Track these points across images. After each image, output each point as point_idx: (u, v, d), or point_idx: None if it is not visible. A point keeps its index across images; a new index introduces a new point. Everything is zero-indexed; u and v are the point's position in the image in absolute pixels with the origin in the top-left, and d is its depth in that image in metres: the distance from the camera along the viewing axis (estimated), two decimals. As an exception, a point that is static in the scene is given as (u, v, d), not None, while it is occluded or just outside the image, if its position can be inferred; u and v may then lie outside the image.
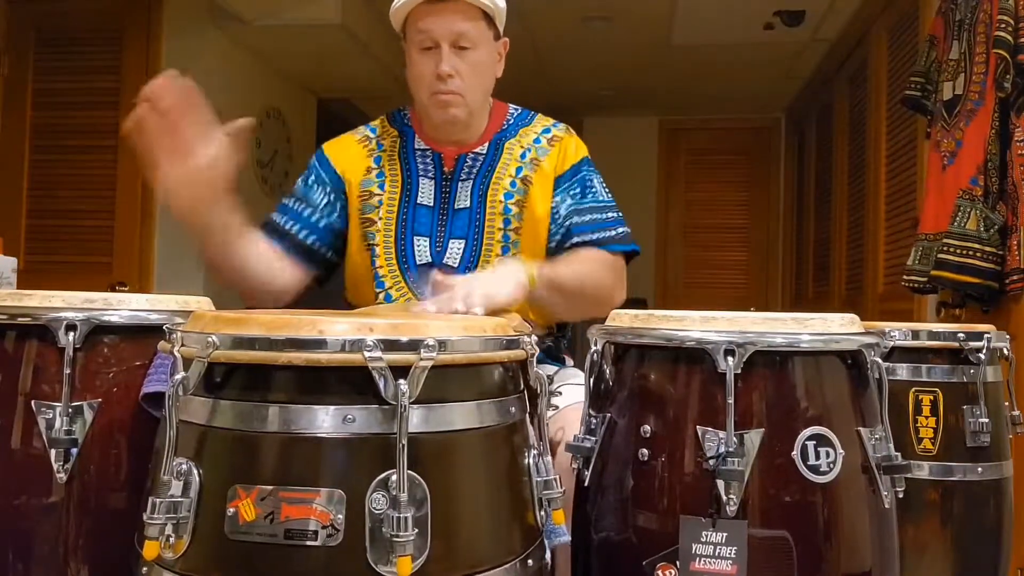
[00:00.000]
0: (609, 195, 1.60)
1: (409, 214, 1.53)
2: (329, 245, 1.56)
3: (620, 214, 1.59)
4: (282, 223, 1.54)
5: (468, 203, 1.54)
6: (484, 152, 1.57)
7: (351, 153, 1.59)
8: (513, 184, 1.54)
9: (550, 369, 1.54)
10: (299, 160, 4.52)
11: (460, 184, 1.55)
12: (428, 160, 1.57)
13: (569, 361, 1.65)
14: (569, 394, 1.42)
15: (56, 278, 2.85)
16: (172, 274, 3.57)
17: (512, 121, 1.61)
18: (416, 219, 1.53)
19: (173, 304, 1.13)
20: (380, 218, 1.54)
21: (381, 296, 1.52)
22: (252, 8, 3.53)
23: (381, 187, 1.55)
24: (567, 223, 1.54)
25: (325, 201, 1.56)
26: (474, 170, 1.56)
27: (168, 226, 3.61)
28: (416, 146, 1.58)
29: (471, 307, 1.20)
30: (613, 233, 1.56)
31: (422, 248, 1.52)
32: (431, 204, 1.54)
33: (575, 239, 1.53)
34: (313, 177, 1.59)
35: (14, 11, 3.62)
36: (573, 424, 1.24)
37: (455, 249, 1.52)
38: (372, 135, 1.61)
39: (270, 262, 1.48)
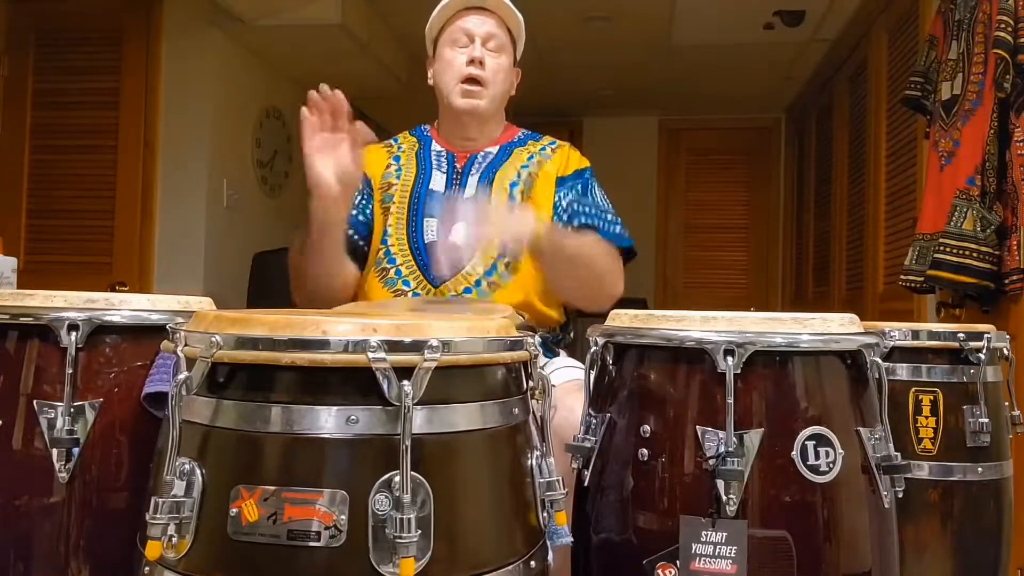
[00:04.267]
0: (609, 205, 1.69)
1: (421, 197, 1.64)
2: (365, 239, 1.67)
3: (619, 219, 1.67)
4: None
5: (475, 192, 1.64)
6: (495, 152, 1.70)
7: (374, 157, 1.72)
8: (518, 175, 1.66)
9: (541, 360, 1.56)
10: (299, 160, 4.49)
11: (470, 178, 1.66)
12: (442, 158, 1.70)
13: (563, 354, 1.68)
14: (560, 375, 1.45)
15: (56, 278, 2.85)
16: (172, 274, 3.58)
17: (523, 136, 1.75)
18: (427, 202, 1.64)
19: (175, 304, 1.14)
20: (394, 203, 1.65)
21: (392, 271, 1.61)
22: (252, 8, 3.53)
23: (398, 177, 1.68)
24: (568, 210, 1.64)
25: (360, 198, 1.68)
26: (483, 166, 1.67)
27: (168, 226, 3.61)
28: (432, 148, 1.72)
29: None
30: (611, 228, 1.64)
31: (431, 227, 1.62)
32: (441, 191, 1.65)
33: (575, 222, 1.62)
34: None
35: (14, 11, 3.61)
36: (562, 400, 1.25)
37: (461, 229, 1.57)
38: (394, 143, 1.76)
39: (343, 258, 1.60)
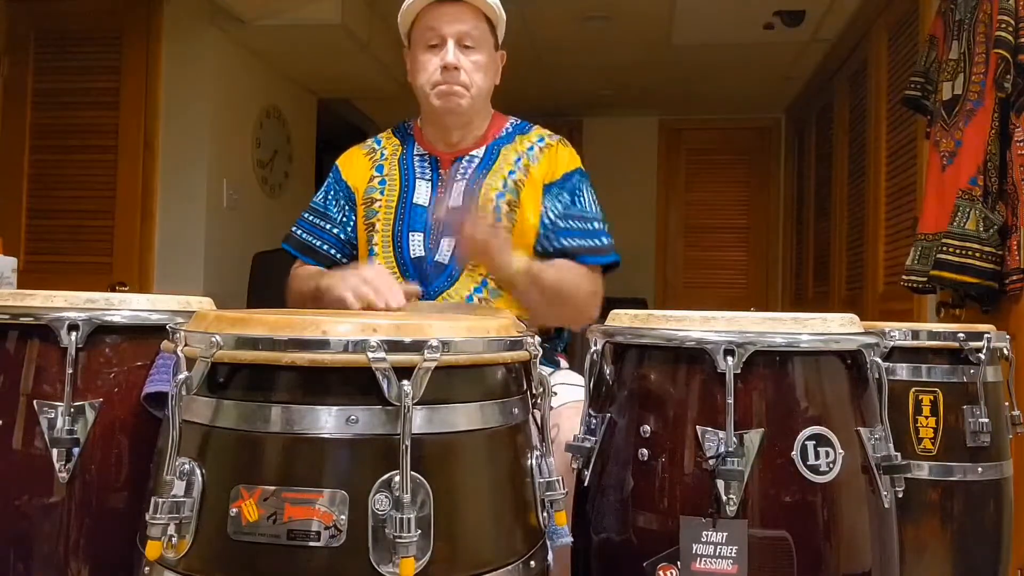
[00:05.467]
0: (597, 207, 1.64)
1: (406, 213, 1.60)
2: (349, 256, 1.66)
3: (605, 226, 1.62)
4: (311, 242, 1.67)
5: (460, 202, 1.58)
6: (480, 155, 1.63)
7: (357, 165, 1.68)
8: (505, 184, 1.59)
9: (545, 371, 1.55)
10: (299, 160, 4.52)
11: (455, 185, 1.60)
12: (426, 164, 1.64)
13: (564, 363, 1.67)
14: (564, 393, 1.44)
15: (56, 278, 2.85)
16: (172, 274, 3.58)
17: (510, 129, 1.67)
18: (412, 217, 1.59)
19: (174, 304, 1.14)
20: (379, 219, 1.61)
21: None
22: (252, 8, 3.53)
23: (382, 192, 1.63)
24: (553, 228, 1.58)
25: (341, 215, 1.66)
26: (469, 171, 1.61)
27: (168, 226, 3.61)
28: (415, 152, 1.66)
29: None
30: (595, 243, 1.59)
31: (416, 243, 1.58)
32: (426, 204, 1.60)
33: (557, 244, 1.57)
34: (332, 193, 1.69)
35: (14, 11, 3.61)
36: (568, 422, 1.25)
37: (446, 247, 1.57)
38: (377, 147, 1.70)
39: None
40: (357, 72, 4.24)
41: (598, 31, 4.25)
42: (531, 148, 1.64)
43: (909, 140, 3.19)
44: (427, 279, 1.56)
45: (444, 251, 1.56)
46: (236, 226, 3.86)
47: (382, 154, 1.68)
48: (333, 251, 1.65)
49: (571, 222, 1.58)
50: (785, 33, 4.17)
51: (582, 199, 1.61)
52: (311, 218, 1.69)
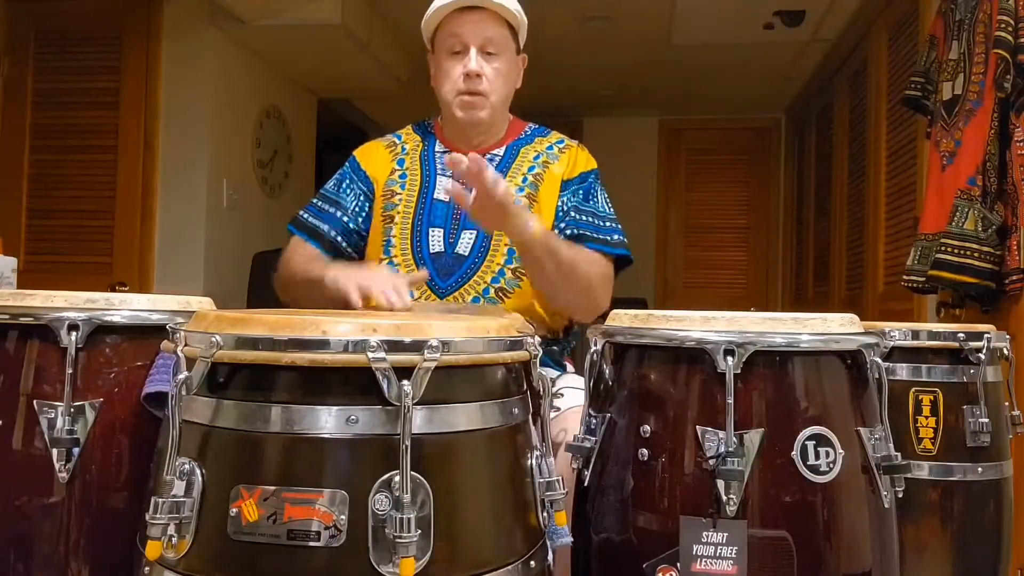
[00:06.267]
0: (610, 208, 1.66)
1: (426, 208, 1.62)
2: (355, 246, 1.66)
3: (619, 226, 1.64)
4: (317, 225, 1.66)
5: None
6: (501, 154, 1.66)
7: (378, 157, 1.70)
8: (525, 180, 1.63)
9: (551, 374, 1.56)
10: (299, 160, 4.52)
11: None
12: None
13: (570, 367, 1.67)
14: (571, 396, 1.44)
15: (56, 278, 2.85)
16: (172, 274, 3.58)
17: (529, 133, 1.72)
18: (432, 212, 1.61)
19: (174, 304, 1.14)
20: (398, 212, 1.62)
21: None
22: (252, 8, 3.53)
23: (403, 187, 1.65)
24: (565, 218, 1.61)
25: (356, 204, 1.67)
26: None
27: (168, 226, 3.62)
28: (436, 148, 1.68)
29: (497, 182, 1.31)
30: (607, 237, 1.60)
31: (436, 238, 1.59)
32: (447, 199, 1.61)
33: (568, 232, 1.59)
34: (347, 181, 1.69)
35: (14, 11, 3.61)
36: (575, 426, 1.25)
37: (467, 239, 1.59)
38: (398, 141, 1.72)
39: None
40: (357, 72, 4.24)
41: (599, 31, 4.25)
42: (551, 148, 1.68)
43: (909, 140, 3.19)
44: (445, 274, 1.57)
45: (466, 243, 1.58)
46: (236, 226, 3.86)
47: (403, 148, 1.70)
48: (338, 238, 1.65)
49: (583, 216, 1.61)
50: (785, 33, 4.17)
51: (595, 199, 1.65)
52: (320, 203, 1.68)
